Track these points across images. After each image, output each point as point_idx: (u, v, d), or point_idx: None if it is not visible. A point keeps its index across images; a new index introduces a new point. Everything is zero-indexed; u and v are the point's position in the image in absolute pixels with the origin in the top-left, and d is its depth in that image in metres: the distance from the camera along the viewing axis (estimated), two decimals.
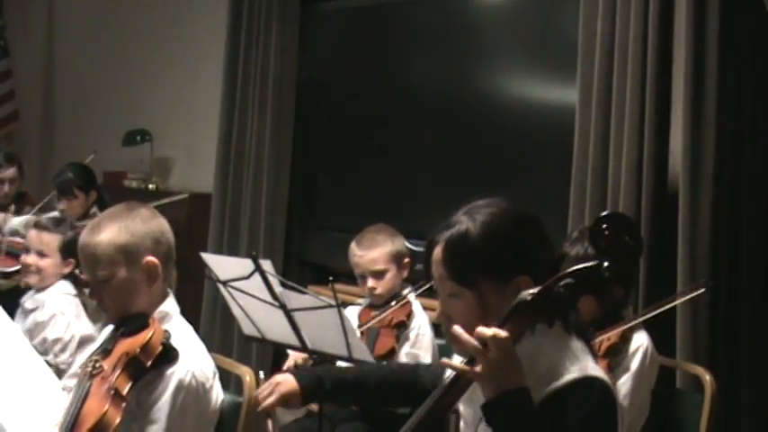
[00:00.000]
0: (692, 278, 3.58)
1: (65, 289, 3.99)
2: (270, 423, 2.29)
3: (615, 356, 3.05)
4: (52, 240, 3.99)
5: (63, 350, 3.78)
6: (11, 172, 5.79)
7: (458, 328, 1.89)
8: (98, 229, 2.57)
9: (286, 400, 2.35)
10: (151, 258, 2.58)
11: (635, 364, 3.08)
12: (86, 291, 4.44)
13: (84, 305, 4.19)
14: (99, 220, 2.61)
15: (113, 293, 2.56)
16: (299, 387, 2.33)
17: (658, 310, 3.21)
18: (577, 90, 4.00)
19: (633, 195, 3.75)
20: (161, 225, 2.64)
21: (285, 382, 2.35)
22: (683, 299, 3.30)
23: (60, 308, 3.87)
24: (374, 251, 3.79)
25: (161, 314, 2.60)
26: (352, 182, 5.53)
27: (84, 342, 3.92)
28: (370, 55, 5.54)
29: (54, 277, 3.99)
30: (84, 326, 3.95)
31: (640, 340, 3.11)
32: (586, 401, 1.89)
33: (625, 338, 3.08)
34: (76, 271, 4.21)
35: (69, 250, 4.03)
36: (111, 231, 2.55)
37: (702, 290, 3.24)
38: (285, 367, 3.76)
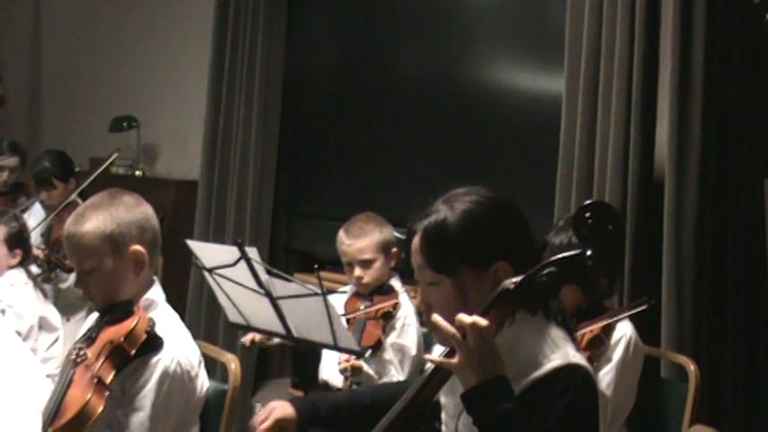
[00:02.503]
0: (678, 267, 3.59)
1: (11, 280, 3.97)
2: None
3: (597, 348, 3.05)
4: None
5: (25, 339, 3.79)
6: (12, 161, 5.74)
7: (437, 317, 1.90)
8: (83, 218, 2.56)
9: (280, 425, 2.30)
10: (137, 247, 2.57)
11: (618, 354, 3.08)
12: (40, 277, 4.48)
13: (44, 292, 4.19)
14: (83, 209, 2.61)
15: (100, 283, 2.56)
16: (295, 412, 2.31)
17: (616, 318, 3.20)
18: (564, 78, 4.00)
19: (619, 184, 3.76)
20: (146, 212, 2.64)
21: (280, 407, 2.32)
22: (627, 313, 3.26)
23: (7, 301, 3.85)
24: (362, 240, 3.78)
25: (147, 302, 2.60)
26: (339, 170, 5.53)
27: (46, 325, 3.92)
28: (358, 43, 5.53)
29: (2, 270, 3.97)
30: (42, 308, 3.95)
31: (623, 330, 3.12)
32: (569, 388, 1.90)
33: (607, 329, 3.09)
34: (35, 268, 4.21)
35: (15, 241, 4.02)
36: (96, 221, 2.55)
37: (644, 306, 3.24)
38: (244, 340, 3.77)
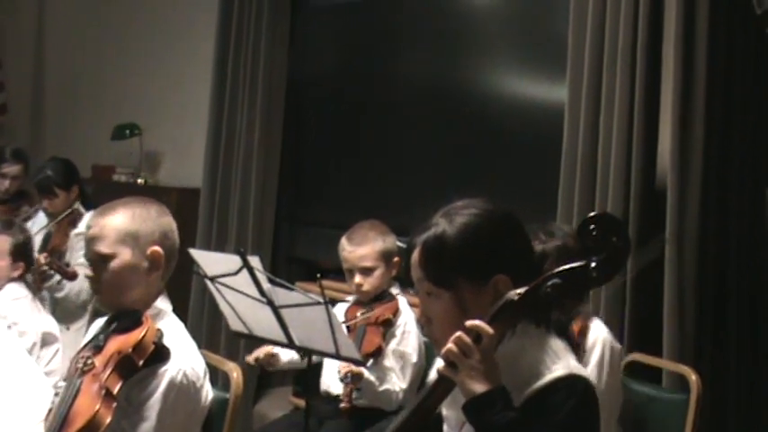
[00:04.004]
0: (680, 277, 3.59)
1: (14, 294, 3.95)
2: None
3: (576, 353, 3.06)
4: (2, 242, 3.95)
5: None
6: (15, 169, 5.73)
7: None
8: (112, 210, 2.61)
9: None
10: (157, 248, 2.60)
11: (595, 356, 3.11)
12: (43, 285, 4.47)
13: (41, 301, 4.17)
14: (114, 203, 2.65)
15: (112, 274, 2.57)
16: None
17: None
18: (567, 87, 4.00)
19: (622, 194, 3.76)
20: (171, 223, 2.69)
21: None
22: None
23: (12, 318, 3.82)
24: (364, 248, 3.79)
25: (154, 310, 2.61)
26: (341, 178, 5.53)
27: (47, 340, 3.90)
28: (361, 50, 5.54)
29: (3, 280, 3.94)
30: (43, 323, 3.93)
31: (597, 332, 3.14)
32: (570, 398, 1.91)
33: (583, 333, 3.10)
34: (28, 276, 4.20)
35: (20, 253, 4.00)
36: (125, 215, 2.60)
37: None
38: (251, 358, 3.77)
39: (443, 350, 1.90)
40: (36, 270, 4.55)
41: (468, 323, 1.89)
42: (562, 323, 2.07)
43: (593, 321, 3.18)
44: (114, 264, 2.57)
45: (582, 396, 1.93)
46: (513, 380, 1.91)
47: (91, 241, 2.62)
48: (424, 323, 2.10)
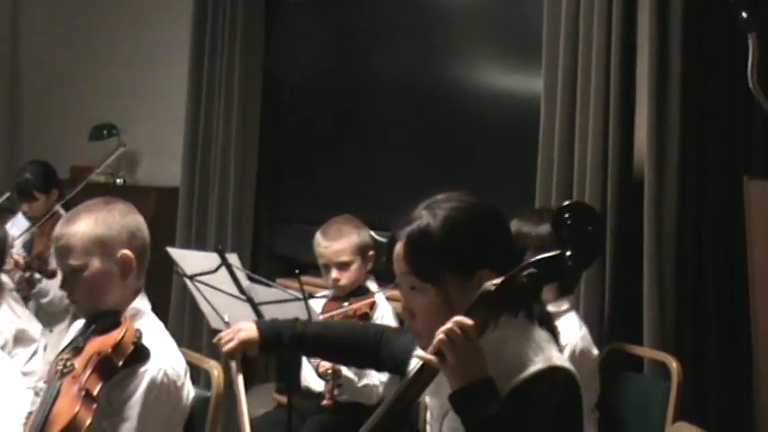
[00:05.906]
0: (659, 265, 3.60)
1: None
2: (233, 365, 2.40)
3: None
4: None
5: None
6: None
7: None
8: (75, 219, 2.58)
9: (245, 347, 2.40)
10: (126, 252, 2.58)
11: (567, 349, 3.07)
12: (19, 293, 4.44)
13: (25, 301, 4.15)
14: (76, 211, 2.62)
15: (86, 285, 2.56)
16: (259, 336, 2.39)
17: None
18: (542, 79, 4.01)
19: (599, 185, 3.76)
20: (137, 220, 2.65)
21: (247, 329, 2.41)
22: None
23: None
24: (339, 242, 3.79)
25: (133, 311, 2.60)
26: (320, 174, 5.52)
27: (22, 339, 3.88)
28: (337, 47, 5.54)
29: None
30: (19, 321, 3.91)
31: (566, 336, 3.03)
32: (552, 391, 1.91)
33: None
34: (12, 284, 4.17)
35: None
36: (87, 222, 2.56)
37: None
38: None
39: (434, 341, 1.89)
40: (22, 275, 4.53)
41: (453, 320, 1.88)
42: (545, 314, 2.07)
43: (565, 317, 3.14)
44: (86, 275, 2.55)
45: (564, 388, 1.94)
46: (497, 371, 1.92)
47: (59, 255, 2.60)
48: (407, 317, 2.09)
